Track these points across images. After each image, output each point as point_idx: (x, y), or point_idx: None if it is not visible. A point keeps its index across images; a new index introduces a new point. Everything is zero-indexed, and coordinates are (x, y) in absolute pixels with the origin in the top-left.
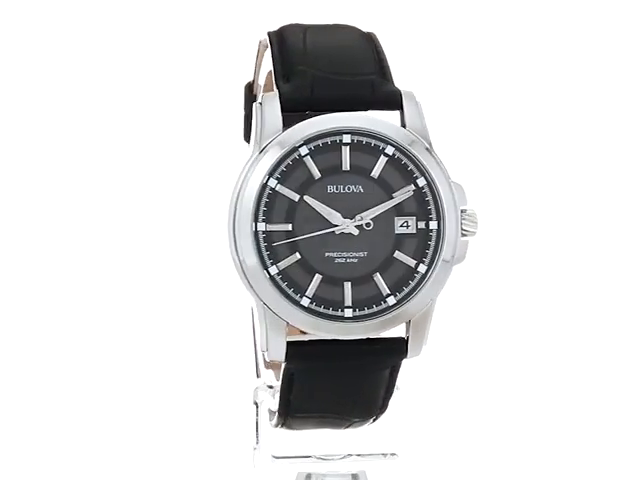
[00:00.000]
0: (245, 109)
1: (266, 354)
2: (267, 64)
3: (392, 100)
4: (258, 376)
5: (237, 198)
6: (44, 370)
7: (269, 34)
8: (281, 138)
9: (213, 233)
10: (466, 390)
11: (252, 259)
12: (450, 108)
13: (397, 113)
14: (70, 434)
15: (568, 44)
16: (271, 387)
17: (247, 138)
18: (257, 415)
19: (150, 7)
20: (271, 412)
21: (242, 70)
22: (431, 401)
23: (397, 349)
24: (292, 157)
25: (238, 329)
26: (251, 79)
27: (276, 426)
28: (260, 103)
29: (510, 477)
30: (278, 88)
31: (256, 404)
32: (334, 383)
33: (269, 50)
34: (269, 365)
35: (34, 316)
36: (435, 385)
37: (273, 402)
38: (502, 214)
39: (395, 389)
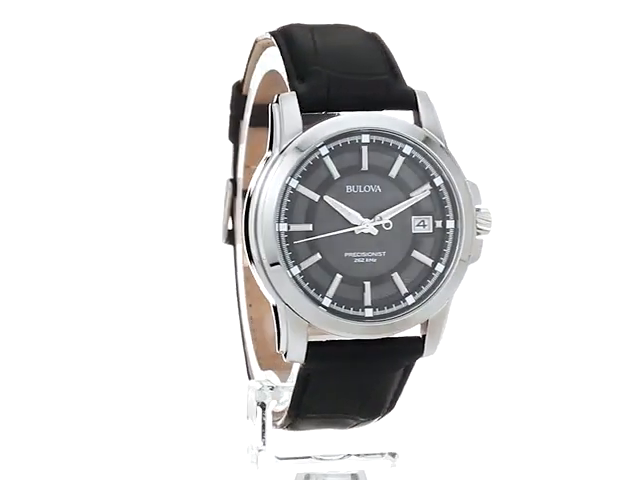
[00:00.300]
0: (232, 109)
1: (285, 355)
2: (265, 64)
3: (407, 100)
4: (250, 377)
5: (258, 198)
6: (37, 367)
7: (274, 34)
8: (302, 138)
9: (200, 233)
10: (466, 390)
11: (274, 260)
12: (447, 107)
13: (410, 113)
14: (65, 434)
15: (568, 42)
16: (272, 388)
17: (232, 138)
18: (264, 416)
19: (132, 6)
20: (275, 413)
21: (223, 70)
22: (431, 401)
23: (413, 348)
24: (312, 157)
25: (226, 331)
26: (240, 79)
27: (282, 427)
28: (277, 103)
29: (510, 477)
30: (294, 88)
31: (263, 405)
32: (349, 383)
33: (269, 50)
34: (267, 366)
35: (24, 316)
36: (434, 385)
37: (276, 403)
38: (505, 212)
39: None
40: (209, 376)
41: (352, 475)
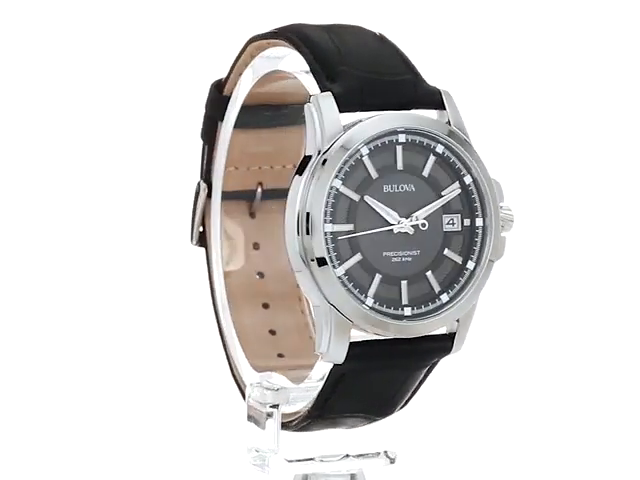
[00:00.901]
0: (209, 109)
1: (323, 356)
2: (262, 65)
3: (434, 99)
4: (238, 381)
5: (306, 199)
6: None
7: (286, 35)
8: (345, 139)
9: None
10: (465, 389)
11: (322, 260)
12: None
13: (434, 112)
14: (61, 434)
15: (568, 40)
16: (278, 389)
17: (206, 138)
18: (279, 418)
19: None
20: (284, 415)
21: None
22: (429, 400)
23: (443, 346)
24: (354, 157)
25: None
26: (220, 79)
27: (295, 429)
28: (311, 103)
29: (510, 477)
30: (327, 89)
31: (277, 407)
32: (379, 382)
33: (270, 51)
34: (265, 368)
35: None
36: (434, 384)
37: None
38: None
39: None
40: (187, 378)
41: (351, 475)
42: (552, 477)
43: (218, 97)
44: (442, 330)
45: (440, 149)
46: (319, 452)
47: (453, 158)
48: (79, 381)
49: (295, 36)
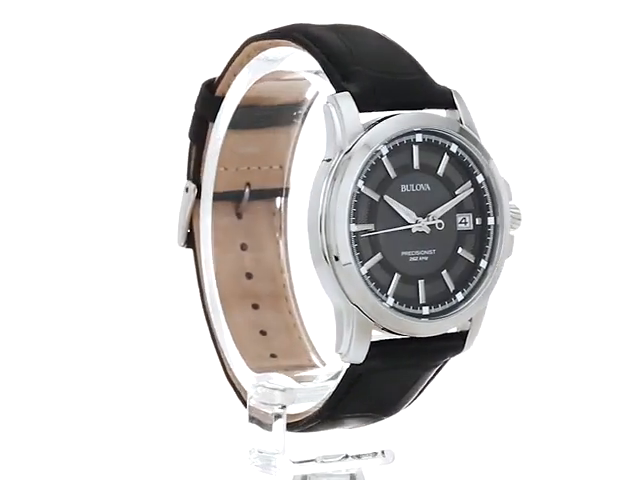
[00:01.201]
0: (199, 108)
1: (342, 357)
2: (262, 66)
3: (445, 99)
4: (232, 381)
5: (330, 200)
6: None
7: (292, 35)
8: (367, 139)
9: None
10: (465, 389)
11: (347, 260)
12: None
13: (443, 111)
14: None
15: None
16: (283, 390)
17: (194, 137)
18: (284, 419)
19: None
20: (290, 415)
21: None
22: (428, 400)
23: (456, 345)
24: (375, 157)
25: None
26: (212, 79)
27: (302, 429)
28: (330, 103)
29: (509, 477)
30: (343, 89)
31: (284, 408)
32: (394, 382)
33: (271, 51)
34: (264, 369)
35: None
36: (433, 385)
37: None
38: None
39: None
40: (178, 382)
41: (351, 475)
42: (552, 477)
43: (210, 97)
44: (453, 329)
45: (454, 148)
46: (319, 452)
47: (466, 157)
48: (70, 387)
49: (303, 36)
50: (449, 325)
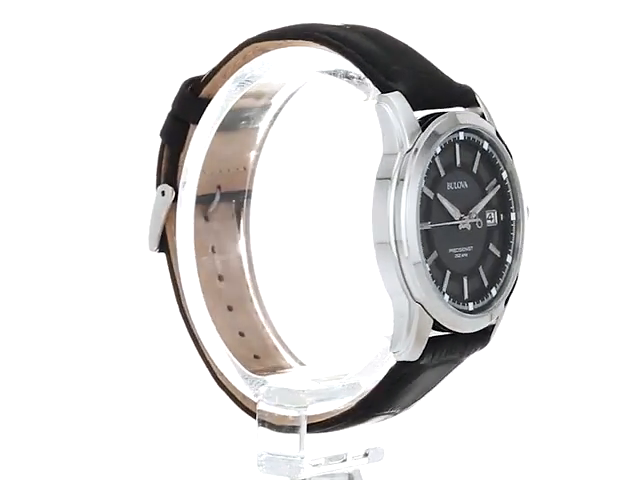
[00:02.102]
0: (179, 110)
1: (397, 355)
2: (262, 68)
3: (470, 97)
4: (225, 388)
5: (399, 199)
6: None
7: (315, 35)
8: (427, 138)
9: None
10: (464, 389)
11: (417, 259)
12: None
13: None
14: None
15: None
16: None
17: (169, 137)
18: (304, 421)
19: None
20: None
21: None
22: (427, 400)
23: (482, 339)
24: (431, 156)
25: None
26: (194, 78)
27: (324, 429)
28: (383, 103)
29: (508, 477)
30: (390, 89)
31: (304, 409)
32: (430, 378)
33: (275, 53)
34: (264, 371)
35: None
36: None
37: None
38: None
39: None
40: (159, 390)
41: (348, 475)
42: (552, 477)
43: (192, 99)
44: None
45: (485, 146)
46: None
47: (495, 154)
48: (58, 394)
49: (329, 36)
50: (486, 320)
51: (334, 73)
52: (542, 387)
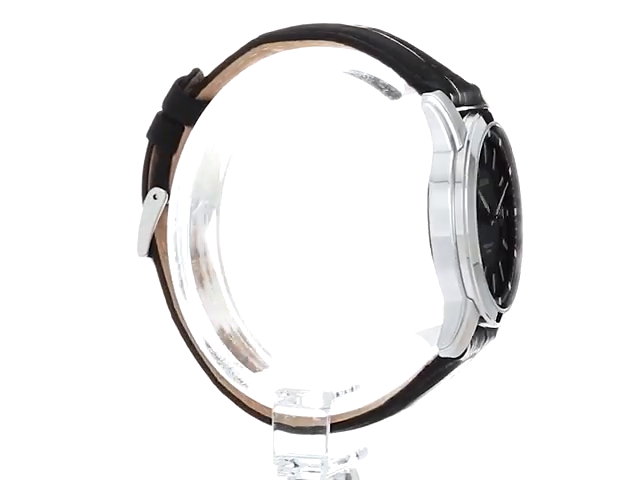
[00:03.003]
0: (171, 110)
1: (442, 351)
2: (269, 70)
3: (480, 95)
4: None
5: (460, 201)
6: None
7: (338, 35)
8: (474, 137)
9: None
10: (463, 389)
11: (478, 259)
12: None
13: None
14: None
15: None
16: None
17: (158, 138)
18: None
19: None
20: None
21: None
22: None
23: (494, 332)
24: (478, 154)
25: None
26: (186, 77)
27: (353, 427)
28: (430, 103)
29: (508, 477)
30: (429, 88)
31: (328, 410)
32: (456, 372)
33: (280, 55)
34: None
35: None
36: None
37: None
38: None
39: None
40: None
41: (346, 475)
42: (552, 477)
43: (187, 100)
44: None
45: (500, 142)
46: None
47: (505, 151)
48: (56, 400)
49: (357, 37)
50: (505, 314)
51: (352, 73)
52: (542, 387)
